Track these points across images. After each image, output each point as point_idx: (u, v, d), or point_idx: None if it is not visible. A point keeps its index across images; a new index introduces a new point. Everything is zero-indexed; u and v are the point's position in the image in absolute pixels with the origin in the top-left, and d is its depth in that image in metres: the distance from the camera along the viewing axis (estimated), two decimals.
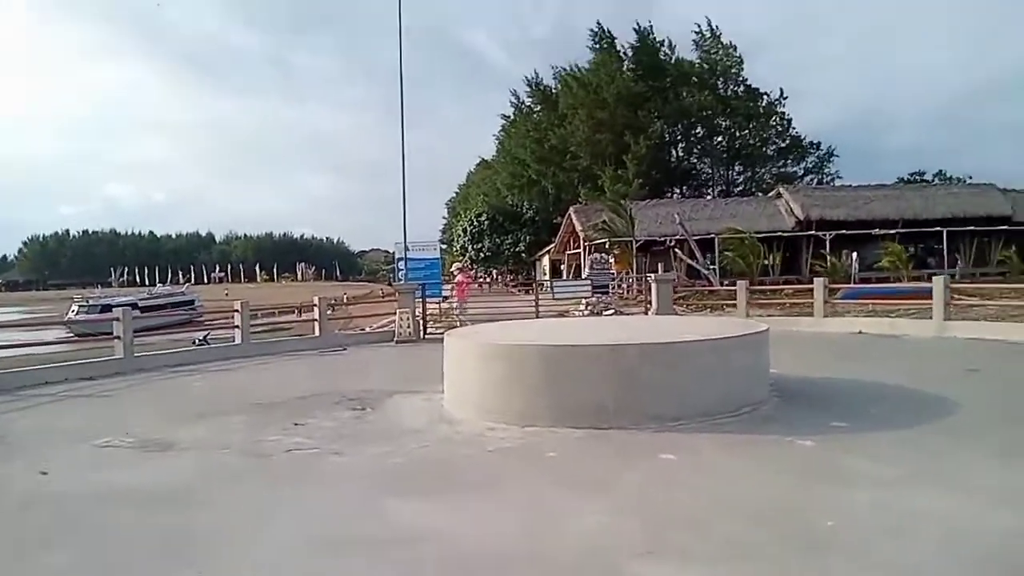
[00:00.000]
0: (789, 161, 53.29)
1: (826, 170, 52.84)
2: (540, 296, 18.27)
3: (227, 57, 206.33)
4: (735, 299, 17.11)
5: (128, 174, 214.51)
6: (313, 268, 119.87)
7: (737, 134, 52.70)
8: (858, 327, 13.28)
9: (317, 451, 5.64)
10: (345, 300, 32.06)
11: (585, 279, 25.32)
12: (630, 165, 45.10)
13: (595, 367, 5.92)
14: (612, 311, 19.77)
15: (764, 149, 52.84)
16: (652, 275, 18.44)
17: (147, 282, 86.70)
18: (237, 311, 13.48)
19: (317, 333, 14.53)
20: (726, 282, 27.23)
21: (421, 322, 15.41)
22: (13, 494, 4.86)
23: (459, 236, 55.41)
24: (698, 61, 52.59)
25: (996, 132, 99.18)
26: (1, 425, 7.23)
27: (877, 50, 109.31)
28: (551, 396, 5.99)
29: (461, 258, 51.42)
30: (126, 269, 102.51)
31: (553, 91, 55.37)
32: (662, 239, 32.49)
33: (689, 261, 30.67)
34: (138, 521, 4.14)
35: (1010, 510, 3.75)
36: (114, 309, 13.53)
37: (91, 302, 36.70)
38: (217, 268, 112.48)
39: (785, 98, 51.40)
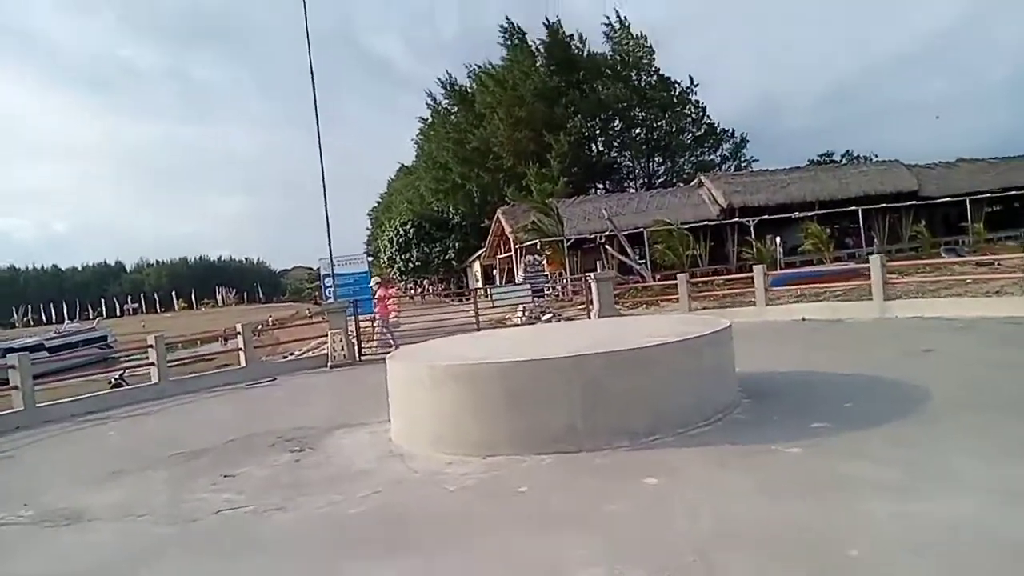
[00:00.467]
0: (706, 150, 54.36)
1: (741, 157, 54.29)
2: (475, 303, 17.73)
3: (124, 77, 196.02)
4: (672, 294, 16.98)
5: (19, 206, 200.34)
6: (234, 292, 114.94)
7: (654, 125, 53.24)
8: (801, 314, 13.25)
9: (252, 509, 4.89)
10: (271, 323, 30.59)
11: (522, 283, 24.88)
12: (553, 163, 45.03)
13: (559, 383, 5.35)
14: (550, 315, 19.36)
15: (681, 138, 53.61)
16: (591, 274, 18.08)
17: (54, 319, 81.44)
18: (151, 346, 12.31)
19: (243, 363, 13.47)
20: (658, 276, 27.32)
21: (356, 343, 14.58)
22: None
23: (385, 247, 53.78)
24: (611, 53, 53.06)
25: (891, 109, 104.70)
26: None
27: (774, 35, 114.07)
28: (513, 420, 5.42)
29: (389, 270, 49.89)
30: (29, 307, 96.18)
31: (469, 91, 54.64)
32: (592, 236, 32.34)
33: (620, 257, 30.60)
34: None
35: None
36: (7, 356, 12.09)
37: None
38: (130, 299, 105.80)
39: (696, 85, 52.42)
